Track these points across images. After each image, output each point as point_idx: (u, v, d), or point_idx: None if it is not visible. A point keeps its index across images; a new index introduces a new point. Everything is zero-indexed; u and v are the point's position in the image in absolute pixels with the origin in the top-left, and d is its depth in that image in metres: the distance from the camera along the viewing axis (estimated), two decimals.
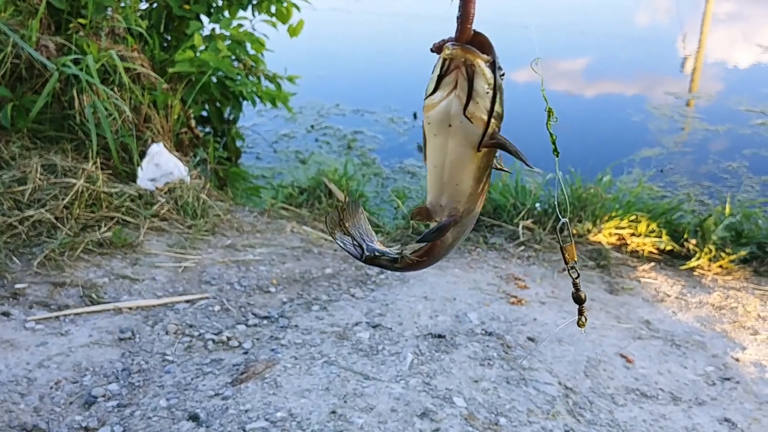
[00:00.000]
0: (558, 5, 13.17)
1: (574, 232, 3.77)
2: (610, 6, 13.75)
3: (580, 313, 0.97)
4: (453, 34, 0.87)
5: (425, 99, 0.89)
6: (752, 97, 7.35)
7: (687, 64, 9.11)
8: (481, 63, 0.86)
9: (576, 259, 0.97)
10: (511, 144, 0.91)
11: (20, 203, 3.26)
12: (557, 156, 0.94)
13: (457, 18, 0.85)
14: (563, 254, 0.96)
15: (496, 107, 0.88)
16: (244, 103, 5.08)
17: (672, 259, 3.71)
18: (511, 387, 2.39)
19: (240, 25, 4.90)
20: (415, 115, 6.56)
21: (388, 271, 3.31)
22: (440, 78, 0.87)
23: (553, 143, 0.92)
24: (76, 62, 3.77)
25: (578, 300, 0.97)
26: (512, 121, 0.98)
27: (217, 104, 5.01)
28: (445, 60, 0.86)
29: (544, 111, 0.90)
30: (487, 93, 0.87)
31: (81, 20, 4.01)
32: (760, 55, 9.45)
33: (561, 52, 9.26)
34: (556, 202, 3.47)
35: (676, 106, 7.21)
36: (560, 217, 0.96)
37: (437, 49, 0.87)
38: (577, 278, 0.96)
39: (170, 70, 4.40)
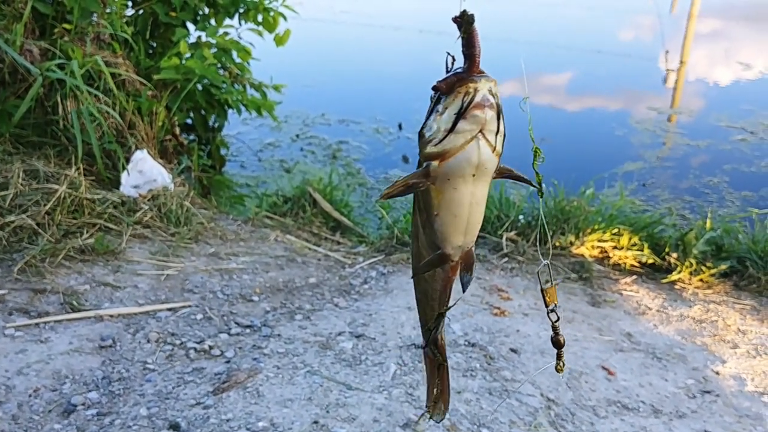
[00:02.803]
0: (542, 20, 13.29)
1: (558, 244, 3.79)
2: (594, 21, 13.90)
3: (558, 357, 0.94)
4: (449, 69, 0.80)
5: (433, 146, 0.78)
6: (733, 114, 7.46)
7: (669, 80, 9.22)
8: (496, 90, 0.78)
9: (557, 302, 0.94)
10: (515, 170, 0.88)
11: (1, 208, 3.22)
12: (542, 197, 0.93)
13: (467, 52, 0.77)
14: (544, 297, 0.93)
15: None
16: (230, 111, 5.07)
17: (653, 273, 3.74)
18: (493, 398, 2.40)
19: (226, 33, 4.90)
20: (400, 126, 6.58)
21: (373, 281, 3.31)
22: (459, 116, 0.76)
23: (539, 184, 0.91)
24: (60, 67, 3.75)
25: (556, 344, 0.93)
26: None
27: (202, 112, 5.00)
28: (466, 94, 0.75)
29: (531, 151, 0.89)
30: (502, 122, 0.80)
31: (66, 25, 3.99)
32: (741, 73, 9.60)
33: (545, 67, 9.34)
34: (538, 244, 3.46)
35: (658, 121, 7.30)
36: (542, 258, 0.94)
37: (448, 87, 0.77)
38: (556, 322, 0.93)
39: (155, 77, 4.39)
